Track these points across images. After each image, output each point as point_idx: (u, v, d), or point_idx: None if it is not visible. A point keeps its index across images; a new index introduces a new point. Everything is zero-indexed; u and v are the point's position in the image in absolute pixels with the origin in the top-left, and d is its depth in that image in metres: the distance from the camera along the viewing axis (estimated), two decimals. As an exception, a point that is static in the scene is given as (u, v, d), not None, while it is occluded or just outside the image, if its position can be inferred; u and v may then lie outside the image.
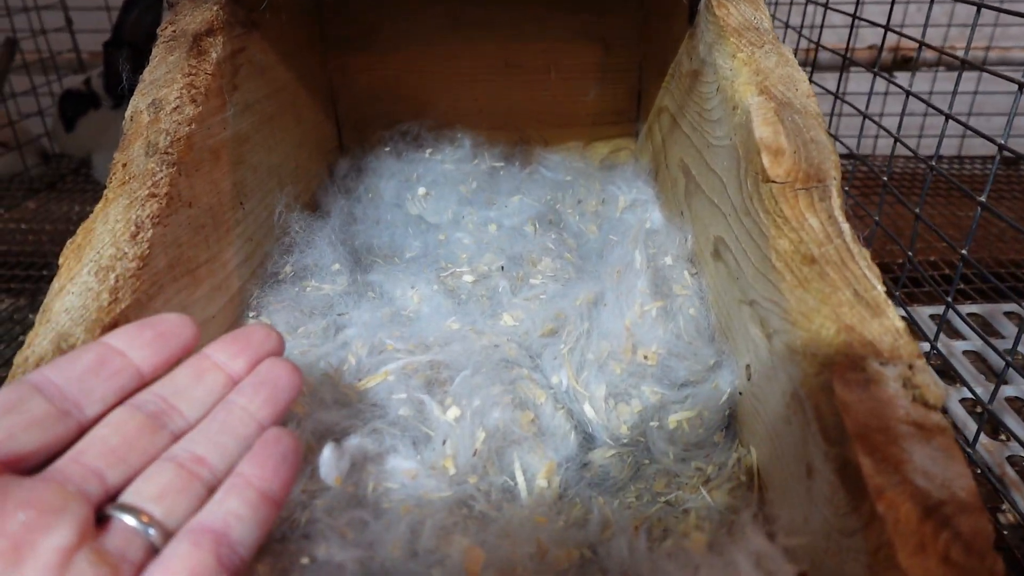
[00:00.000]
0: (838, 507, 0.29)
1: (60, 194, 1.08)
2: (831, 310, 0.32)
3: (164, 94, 0.41)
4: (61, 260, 0.34)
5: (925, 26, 0.60)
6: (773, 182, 0.36)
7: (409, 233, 0.61)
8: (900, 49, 1.10)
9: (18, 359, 0.31)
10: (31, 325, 0.32)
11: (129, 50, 1.01)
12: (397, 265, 0.54)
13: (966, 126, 0.47)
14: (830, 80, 1.17)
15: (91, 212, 0.36)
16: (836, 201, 0.36)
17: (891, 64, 1.09)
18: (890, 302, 0.32)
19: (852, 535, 0.27)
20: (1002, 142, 0.42)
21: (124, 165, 0.37)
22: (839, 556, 0.28)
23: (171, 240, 0.37)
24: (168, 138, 0.39)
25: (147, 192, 0.36)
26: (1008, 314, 0.68)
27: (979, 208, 0.43)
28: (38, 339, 0.31)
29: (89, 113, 1.06)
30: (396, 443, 0.37)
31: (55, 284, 0.33)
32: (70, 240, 0.35)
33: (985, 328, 0.67)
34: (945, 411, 0.29)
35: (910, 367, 0.30)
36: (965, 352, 0.62)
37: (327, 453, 0.35)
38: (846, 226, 0.35)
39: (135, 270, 0.34)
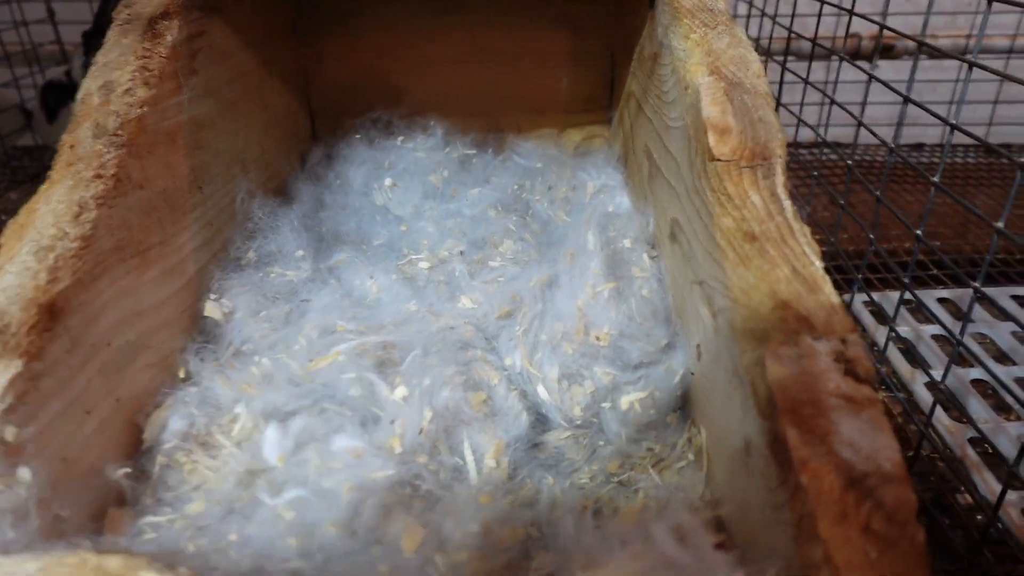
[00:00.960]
0: (769, 481, 0.29)
1: (42, 186, 1.08)
2: (769, 287, 0.32)
3: (116, 76, 0.41)
4: (2, 240, 0.34)
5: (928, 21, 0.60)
6: (719, 160, 0.36)
7: (376, 221, 0.61)
8: (884, 39, 1.10)
9: (-46, 338, 0.31)
10: None
11: (109, 41, 1.01)
12: (359, 253, 0.54)
13: (917, 104, 0.47)
14: (818, 70, 1.17)
15: None
16: (780, 179, 0.35)
17: (871, 52, 1.09)
18: (827, 278, 0.32)
19: (780, 508, 0.27)
20: (954, 122, 0.42)
21: (71, 146, 0.37)
22: (769, 530, 0.28)
23: (118, 222, 0.37)
24: (118, 120, 0.39)
25: (92, 173, 0.36)
26: (979, 299, 0.68)
27: (933, 189, 0.43)
28: (-25, 318, 0.31)
29: (70, 104, 1.06)
30: (344, 423, 0.37)
31: (-5, 264, 0.33)
32: (12, 220, 0.35)
33: (956, 313, 0.66)
34: (873, 386, 0.29)
35: (843, 341, 0.30)
36: (934, 336, 0.62)
37: (270, 432, 0.35)
38: (787, 203, 0.34)
39: (76, 250, 0.34)
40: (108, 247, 0.36)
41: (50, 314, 0.32)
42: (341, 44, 0.70)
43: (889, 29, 0.51)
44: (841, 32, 1.07)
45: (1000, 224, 0.38)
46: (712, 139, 0.37)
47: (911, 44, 1.08)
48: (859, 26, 1.08)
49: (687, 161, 0.41)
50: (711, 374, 0.37)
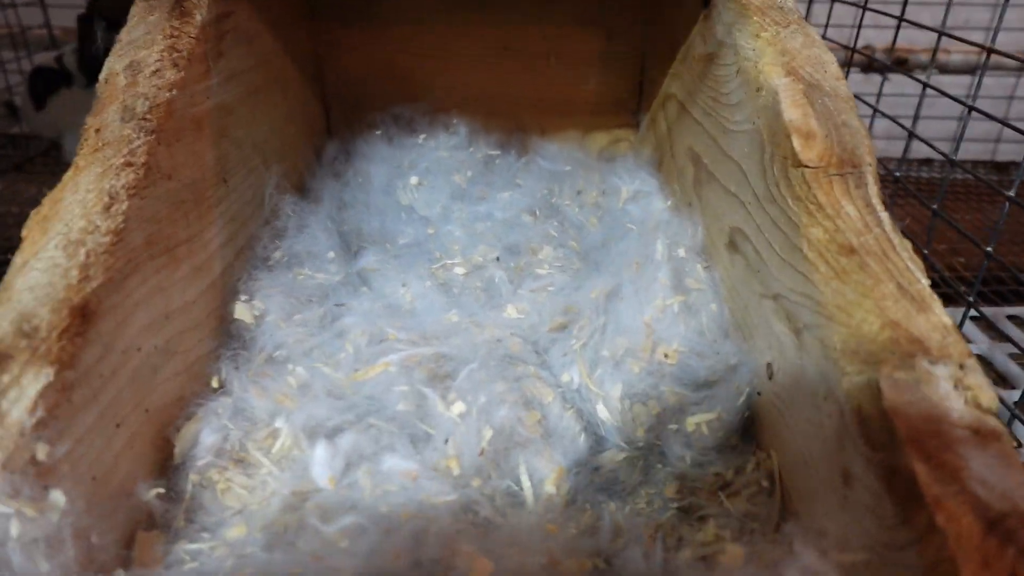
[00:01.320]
0: (884, 518, 0.26)
1: (29, 175, 1.04)
2: (874, 304, 0.29)
3: (143, 56, 0.37)
4: (24, 232, 0.30)
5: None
6: (805, 167, 0.34)
7: (402, 220, 0.58)
8: (902, 50, 1.09)
9: (-27, 341, 0.27)
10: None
11: (106, 25, 0.97)
12: (389, 256, 0.51)
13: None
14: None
15: None
16: (873, 188, 0.33)
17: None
18: (936, 297, 0.29)
19: (902, 549, 0.25)
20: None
21: (97, 130, 0.34)
22: (885, 572, 0.26)
23: (149, 214, 0.34)
24: (147, 103, 0.35)
25: (123, 160, 0.33)
26: (1011, 317, 0.66)
27: (1006, 204, 0.41)
28: (-3, 319, 0.28)
29: (61, 91, 1.01)
30: (393, 441, 0.34)
31: (17, 259, 0.30)
32: (34, 211, 0.31)
33: (989, 331, 0.65)
34: (997, 416, 0.27)
35: (961, 367, 0.27)
36: (1010, 355, 0.61)
37: (320, 451, 0.32)
38: (885, 215, 0.32)
39: (108, 245, 0.31)
40: (139, 242, 0.33)
41: (83, 316, 0.28)
42: (359, 33, 0.66)
43: (952, 38, 0.49)
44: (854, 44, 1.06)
45: None
46: (797, 144, 0.34)
47: (923, 58, 1.07)
48: (873, 38, 1.07)
49: (758, 167, 0.39)
50: (788, 395, 0.35)
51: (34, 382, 0.26)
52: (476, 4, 0.65)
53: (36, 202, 0.92)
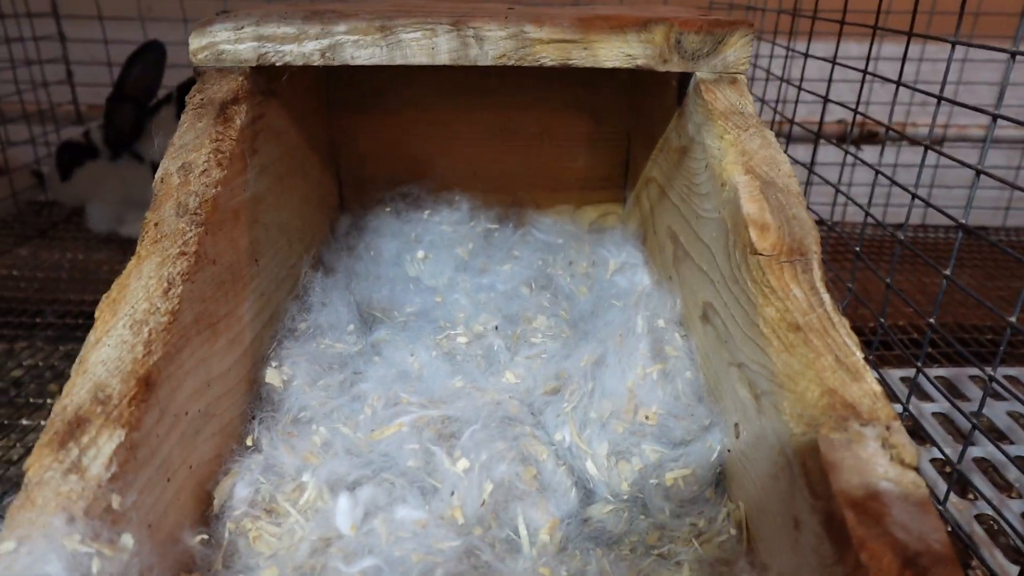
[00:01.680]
0: (824, 557, 0.31)
1: (51, 242, 1.09)
2: (815, 374, 0.35)
3: (193, 158, 0.43)
4: (97, 313, 0.36)
5: (892, 104, 0.66)
6: (760, 254, 0.40)
7: (410, 290, 0.64)
8: (866, 125, 1.17)
9: (57, 408, 0.32)
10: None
11: (131, 104, 1.04)
12: (398, 328, 0.56)
13: (927, 203, 0.51)
14: (800, 150, 1.24)
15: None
16: (817, 273, 0.39)
17: (858, 138, 1.16)
18: (868, 367, 0.35)
19: (839, 583, 0.30)
20: (963, 221, 0.46)
21: (156, 224, 0.40)
22: (827, 604, 0.31)
23: (197, 296, 0.40)
24: (197, 199, 0.41)
25: (178, 251, 0.39)
26: (972, 377, 0.72)
27: (944, 281, 0.47)
28: (75, 389, 0.33)
29: (86, 164, 1.08)
30: (405, 493, 0.39)
31: (91, 337, 0.35)
32: (105, 295, 0.37)
33: (952, 391, 0.70)
34: (918, 470, 0.32)
35: (887, 428, 0.32)
36: (934, 414, 0.66)
37: (343, 502, 0.37)
38: (827, 296, 0.38)
39: (167, 324, 0.36)
40: (189, 320, 0.38)
41: (146, 385, 0.34)
42: (369, 119, 0.73)
43: (891, 128, 0.56)
44: (825, 118, 1.14)
45: (1013, 319, 0.42)
46: (753, 235, 0.40)
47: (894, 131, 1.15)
48: (843, 112, 1.15)
49: (723, 251, 0.45)
50: (752, 452, 0.40)
51: (109, 442, 0.31)
52: (476, 91, 0.73)
53: (59, 267, 0.97)
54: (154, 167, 1.07)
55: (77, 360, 0.34)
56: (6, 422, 0.70)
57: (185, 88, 1.07)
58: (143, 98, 1.05)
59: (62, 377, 0.78)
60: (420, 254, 0.66)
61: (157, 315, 0.36)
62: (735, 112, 0.48)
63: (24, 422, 0.70)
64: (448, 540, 0.36)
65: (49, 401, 0.73)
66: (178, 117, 1.10)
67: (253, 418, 0.44)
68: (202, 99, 0.47)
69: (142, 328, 0.35)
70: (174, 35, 1.12)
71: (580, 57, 0.50)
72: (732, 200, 0.43)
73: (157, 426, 0.34)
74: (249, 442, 0.42)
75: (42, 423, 0.70)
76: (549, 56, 0.50)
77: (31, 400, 0.73)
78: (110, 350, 0.34)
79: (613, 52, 0.50)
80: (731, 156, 0.45)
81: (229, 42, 0.49)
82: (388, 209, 0.71)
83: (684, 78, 0.54)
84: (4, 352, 0.82)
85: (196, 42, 0.49)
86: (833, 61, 0.71)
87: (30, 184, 1.14)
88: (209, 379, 0.41)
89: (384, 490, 0.39)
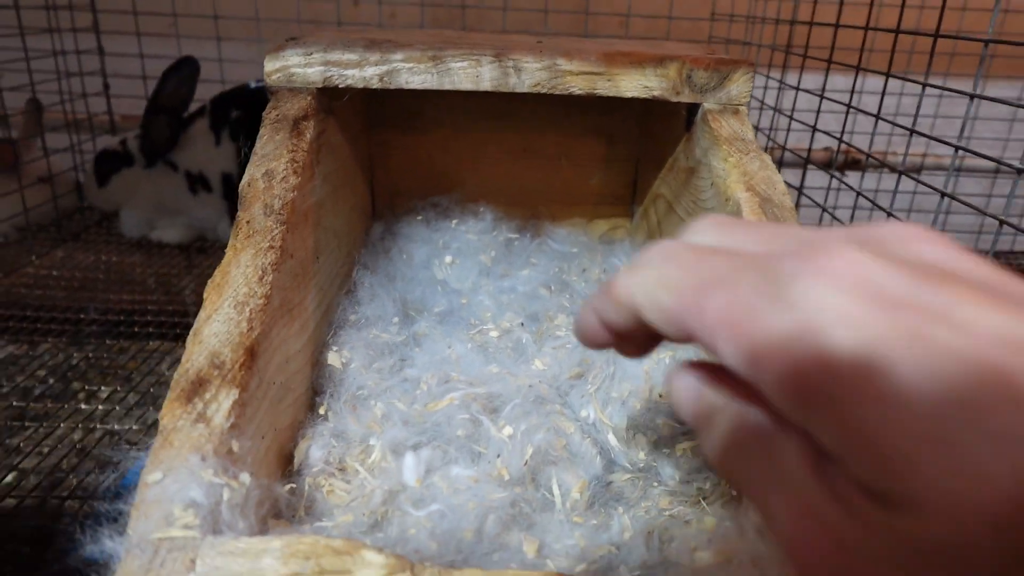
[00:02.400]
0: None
1: (86, 244, 1.16)
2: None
3: (274, 166, 0.50)
4: (205, 295, 0.42)
5: (872, 135, 0.73)
6: (761, 259, 0.47)
7: (438, 292, 0.71)
8: (850, 152, 1.25)
9: (178, 374, 0.39)
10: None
11: (167, 116, 1.11)
12: (435, 323, 0.63)
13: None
14: (790, 174, 1.32)
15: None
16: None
17: (843, 164, 1.24)
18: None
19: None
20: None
21: (248, 222, 0.47)
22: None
23: (281, 284, 0.46)
24: (280, 202, 0.48)
25: (267, 244, 0.46)
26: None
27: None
28: (194, 356, 0.39)
29: (122, 171, 1.15)
30: (457, 456, 0.45)
31: (202, 314, 0.42)
32: (210, 280, 0.43)
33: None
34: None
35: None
36: None
37: (409, 459, 0.43)
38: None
39: (262, 305, 0.43)
40: (277, 304, 0.45)
41: (251, 355, 0.40)
42: (404, 137, 0.81)
43: (872, 156, 0.63)
44: (813, 144, 1.22)
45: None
46: (755, 242, 0.48)
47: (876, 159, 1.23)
48: (829, 140, 1.24)
49: (728, 257, 0.52)
50: (751, 427, 0.47)
51: (226, 398, 0.38)
52: (502, 115, 0.80)
53: (96, 268, 1.04)
54: (187, 176, 1.14)
55: (192, 332, 0.41)
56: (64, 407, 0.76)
57: (218, 102, 1.14)
58: (178, 110, 1.12)
59: (107, 371, 0.84)
60: (448, 259, 0.73)
61: (255, 298, 0.43)
62: (737, 138, 0.56)
63: (83, 407, 0.76)
64: (497, 492, 0.43)
65: (103, 388, 0.79)
66: (212, 128, 1.17)
67: (319, 393, 0.50)
68: (277, 115, 0.54)
69: (244, 308, 0.42)
70: (205, 51, 1.19)
71: (604, 88, 0.58)
72: (735, 214, 0.51)
73: (257, 391, 0.41)
74: (322, 411, 0.48)
75: (99, 407, 0.77)
76: (577, 86, 0.57)
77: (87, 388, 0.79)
78: (220, 325, 0.41)
79: (633, 84, 0.58)
80: (734, 176, 0.53)
81: (299, 66, 0.56)
82: (419, 218, 0.78)
83: (692, 108, 0.62)
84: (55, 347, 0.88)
85: (271, 65, 0.56)
86: (821, 95, 0.79)
87: (69, 190, 1.20)
88: (288, 356, 0.47)
89: (439, 453, 0.45)
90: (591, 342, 0.29)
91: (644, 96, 0.58)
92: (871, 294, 0.19)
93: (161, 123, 1.11)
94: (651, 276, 0.25)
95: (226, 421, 0.37)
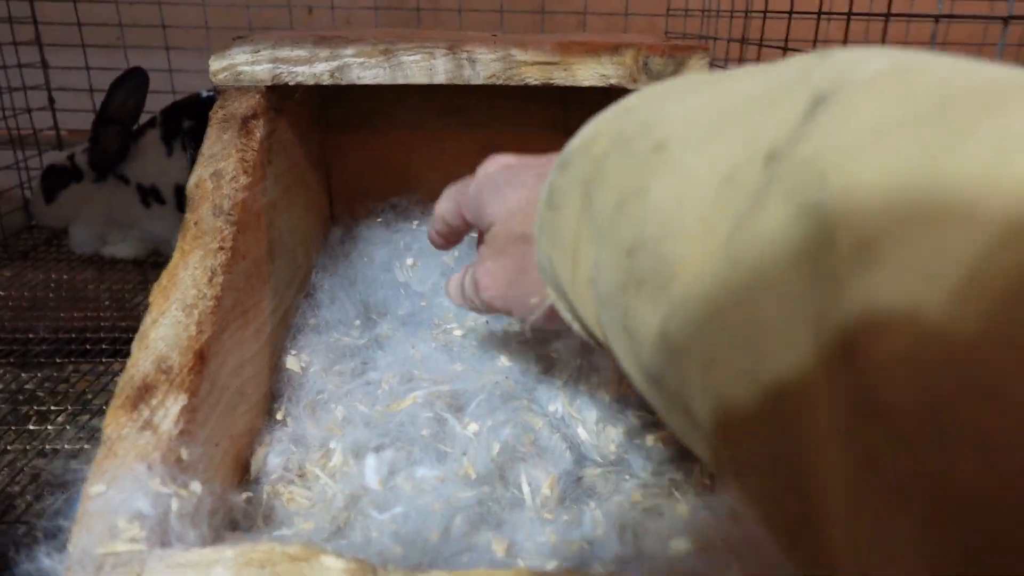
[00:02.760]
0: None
1: (35, 263, 1.12)
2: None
3: (223, 166, 0.49)
4: (151, 299, 0.41)
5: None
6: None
7: (400, 295, 0.69)
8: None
9: (123, 380, 0.37)
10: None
11: (117, 127, 1.08)
12: (398, 325, 0.61)
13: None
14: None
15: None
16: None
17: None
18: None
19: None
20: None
21: (196, 223, 0.45)
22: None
23: (233, 285, 0.44)
24: (230, 202, 0.46)
25: (217, 245, 0.44)
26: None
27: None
28: (140, 361, 0.37)
29: (71, 186, 1.11)
30: (422, 456, 0.44)
31: (148, 318, 0.40)
32: (156, 283, 0.41)
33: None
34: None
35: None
36: None
37: (371, 461, 0.42)
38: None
39: (212, 307, 0.41)
40: (229, 306, 0.43)
41: (201, 359, 0.38)
42: (361, 138, 0.79)
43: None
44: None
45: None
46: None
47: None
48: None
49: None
50: (721, 413, 0.46)
51: (175, 404, 0.36)
52: (461, 112, 0.79)
53: (46, 287, 1.00)
54: (139, 189, 1.11)
55: (137, 337, 0.39)
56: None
57: (169, 113, 1.11)
58: (127, 122, 1.09)
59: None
60: (409, 261, 0.72)
61: (204, 300, 0.41)
62: (697, 124, 0.55)
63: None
64: (464, 491, 0.41)
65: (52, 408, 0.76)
66: (163, 139, 1.14)
67: (277, 399, 0.48)
68: (225, 114, 0.52)
69: (193, 310, 0.40)
70: (154, 62, 1.16)
71: (560, 77, 0.57)
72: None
73: (209, 396, 0.39)
74: (280, 416, 0.47)
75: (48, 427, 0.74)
76: (533, 76, 0.56)
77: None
78: (167, 328, 0.39)
79: (589, 72, 0.57)
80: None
81: (247, 64, 0.54)
82: (379, 220, 0.76)
83: (651, 96, 0.61)
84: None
85: (217, 64, 0.54)
86: (779, 83, 0.79)
87: (16, 208, 1.16)
88: (243, 360, 0.45)
89: (403, 454, 0.44)
90: (435, 244, 0.50)
91: (601, 84, 0.57)
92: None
93: (111, 134, 1.07)
94: (443, 199, 0.47)
95: (174, 428, 0.35)
